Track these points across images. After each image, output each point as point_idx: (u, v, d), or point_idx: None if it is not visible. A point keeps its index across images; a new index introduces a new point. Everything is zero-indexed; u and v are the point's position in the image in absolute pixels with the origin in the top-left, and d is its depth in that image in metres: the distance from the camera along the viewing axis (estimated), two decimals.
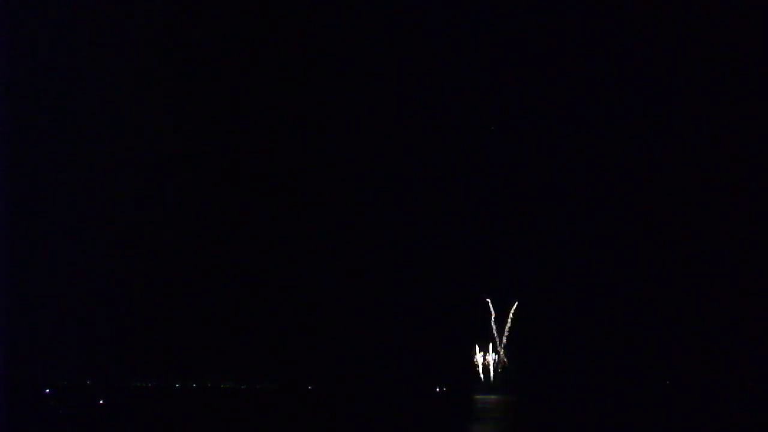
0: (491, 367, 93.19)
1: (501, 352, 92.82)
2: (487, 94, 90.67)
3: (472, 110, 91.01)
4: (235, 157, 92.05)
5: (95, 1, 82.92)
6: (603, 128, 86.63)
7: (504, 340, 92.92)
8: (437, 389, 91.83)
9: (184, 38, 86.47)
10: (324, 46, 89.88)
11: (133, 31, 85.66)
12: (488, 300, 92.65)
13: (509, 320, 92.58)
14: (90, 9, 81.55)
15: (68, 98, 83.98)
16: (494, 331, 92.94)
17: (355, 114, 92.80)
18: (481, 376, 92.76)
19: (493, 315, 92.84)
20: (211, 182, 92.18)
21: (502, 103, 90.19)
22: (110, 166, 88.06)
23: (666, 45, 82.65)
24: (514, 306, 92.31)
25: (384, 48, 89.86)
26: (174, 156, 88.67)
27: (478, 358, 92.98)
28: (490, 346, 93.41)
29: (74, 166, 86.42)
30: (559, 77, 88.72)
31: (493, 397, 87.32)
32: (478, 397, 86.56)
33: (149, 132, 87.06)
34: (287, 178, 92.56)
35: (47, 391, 75.33)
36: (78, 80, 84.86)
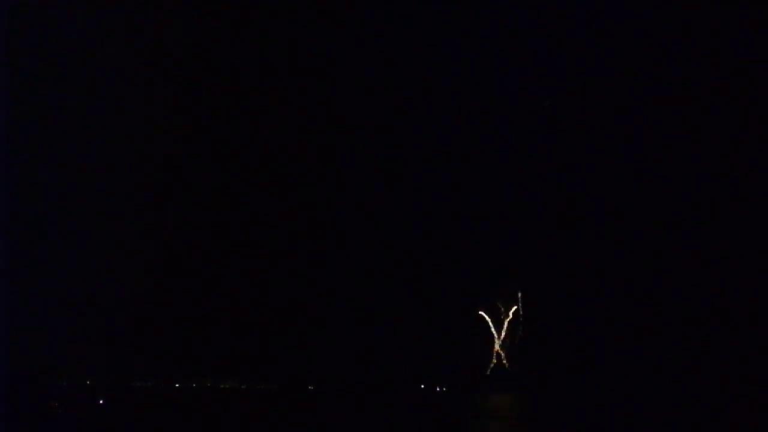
0: (493, 367, 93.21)
1: (502, 352, 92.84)
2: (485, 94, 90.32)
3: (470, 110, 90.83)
4: (235, 157, 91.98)
5: (95, 2, 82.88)
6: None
7: (506, 340, 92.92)
8: (437, 389, 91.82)
9: (185, 38, 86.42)
10: (343, 29, 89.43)
11: (134, 31, 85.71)
12: (483, 313, 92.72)
13: (509, 320, 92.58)
14: (90, 9, 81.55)
15: (67, 98, 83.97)
16: (494, 331, 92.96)
17: (344, 114, 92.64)
18: (483, 375, 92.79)
19: (489, 320, 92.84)
20: (211, 182, 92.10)
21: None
22: (110, 165, 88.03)
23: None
24: (515, 307, 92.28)
25: (399, 27, 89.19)
26: (174, 156, 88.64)
27: (480, 355, 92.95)
28: (492, 345, 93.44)
29: (74, 165, 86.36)
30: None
31: (495, 396, 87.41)
32: (480, 396, 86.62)
33: (149, 131, 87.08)
34: (287, 177, 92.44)
35: (47, 391, 75.32)
36: (77, 80, 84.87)
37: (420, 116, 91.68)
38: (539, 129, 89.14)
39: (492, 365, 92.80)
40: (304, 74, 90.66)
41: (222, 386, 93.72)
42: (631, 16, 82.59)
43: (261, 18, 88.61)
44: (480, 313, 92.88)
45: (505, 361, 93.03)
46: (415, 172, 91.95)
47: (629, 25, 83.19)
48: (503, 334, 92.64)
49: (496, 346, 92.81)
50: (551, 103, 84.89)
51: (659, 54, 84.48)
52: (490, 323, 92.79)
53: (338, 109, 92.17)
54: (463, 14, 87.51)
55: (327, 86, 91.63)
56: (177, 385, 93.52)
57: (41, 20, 78.83)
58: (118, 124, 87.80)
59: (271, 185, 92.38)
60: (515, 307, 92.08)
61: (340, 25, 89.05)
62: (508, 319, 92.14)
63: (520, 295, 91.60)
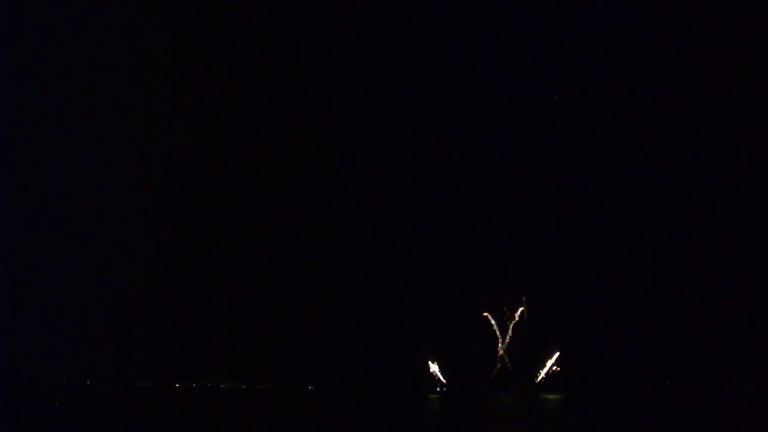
0: (497, 370, 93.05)
1: (506, 356, 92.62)
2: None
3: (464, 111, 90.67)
4: (235, 157, 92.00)
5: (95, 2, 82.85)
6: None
7: (507, 340, 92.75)
8: (438, 389, 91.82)
9: (184, 39, 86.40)
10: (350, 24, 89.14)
11: (134, 31, 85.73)
12: (487, 315, 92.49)
13: (513, 321, 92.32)
14: (90, 10, 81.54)
15: (68, 98, 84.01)
16: (497, 332, 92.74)
17: (342, 115, 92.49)
18: (487, 378, 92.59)
19: (494, 324, 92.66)
20: (211, 182, 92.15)
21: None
22: (110, 165, 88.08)
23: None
24: (520, 309, 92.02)
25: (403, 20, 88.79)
26: (173, 156, 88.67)
27: (482, 357, 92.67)
28: (496, 348, 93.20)
29: (74, 165, 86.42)
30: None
31: (495, 396, 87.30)
32: (483, 397, 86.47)
33: (149, 131, 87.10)
34: (287, 177, 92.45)
35: (47, 391, 75.42)
36: (77, 80, 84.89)
37: (424, 118, 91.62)
38: (544, 134, 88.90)
39: (497, 368, 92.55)
40: (304, 74, 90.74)
41: (222, 386, 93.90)
42: (634, 17, 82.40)
43: (261, 18, 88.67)
44: (485, 314, 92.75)
45: (509, 365, 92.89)
46: (420, 174, 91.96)
47: (633, 26, 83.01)
48: (508, 337, 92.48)
49: (500, 350, 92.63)
50: (558, 99, 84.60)
51: (662, 57, 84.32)
52: (495, 326, 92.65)
53: (338, 109, 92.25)
54: (465, 14, 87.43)
55: (327, 86, 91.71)
56: (177, 385, 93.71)
57: (41, 20, 78.87)
58: (118, 124, 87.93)
59: (271, 185, 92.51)
60: (521, 309, 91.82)
61: (340, 25, 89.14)
62: (513, 322, 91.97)
63: (524, 298, 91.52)
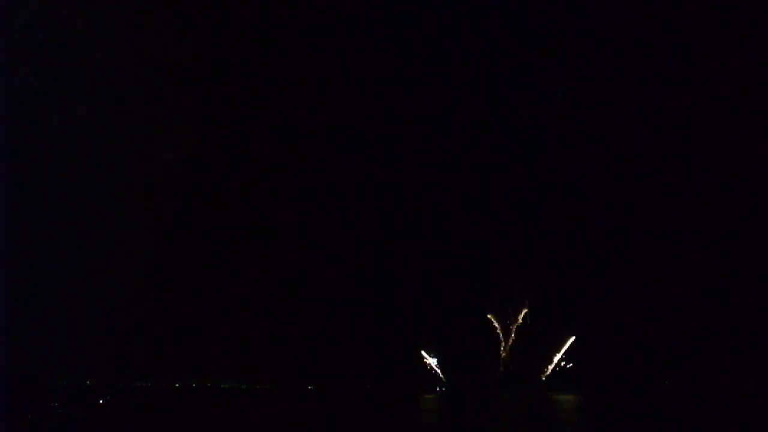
0: (496, 368, 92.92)
1: (508, 359, 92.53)
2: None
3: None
4: (235, 157, 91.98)
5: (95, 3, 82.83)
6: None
7: (510, 342, 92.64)
8: (438, 389, 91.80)
9: (184, 39, 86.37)
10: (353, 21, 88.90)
11: (134, 31, 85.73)
12: (490, 316, 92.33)
13: (517, 323, 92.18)
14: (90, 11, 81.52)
15: (67, 98, 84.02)
16: (500, 332, 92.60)
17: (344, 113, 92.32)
18: (488, 379, 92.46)
19: (498, 327, 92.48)
20: (210, 182, 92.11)
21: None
22: (109, 165, 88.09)
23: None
24: (524, 312, 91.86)
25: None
26: (172, 155, 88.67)
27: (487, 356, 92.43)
28: (499, 349, 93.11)
29: (74, 166, 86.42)
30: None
31: (496, 396, 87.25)
32: (481, 396, 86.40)
33: (149, 131, 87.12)
34: (287, 177, 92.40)
35: (47, 391, 75.46)
36: (77, 80, 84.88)
37: (426, 117, 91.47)
38: (549, 134, 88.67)
39: (500, 369, 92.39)
40: (304, 74, 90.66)
41: (222, 386, 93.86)
42: (640, 14, 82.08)
43: (261, 18, 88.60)
44: (488, 316, 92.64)
45: (511, 366, 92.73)
46: (422, 174, 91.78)
47: (639, 24, 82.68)
48: (511, 339, 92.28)
49: (503, 352, 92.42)
50: (562, 96, 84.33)
51: (667, 57, 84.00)
52: (498, 328, 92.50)
53: (338, 108, 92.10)
54: (469, 11, 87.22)
55: (327, 86, 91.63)
56: (177, 385, 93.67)
57: (41, 20, 78.86)
58: (119, 125, 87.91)
59: (271, 185, 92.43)
60: (524, 311, 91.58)
61: (340, 25, 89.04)
62: (516, 324, 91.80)
63: (527, 300, 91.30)
